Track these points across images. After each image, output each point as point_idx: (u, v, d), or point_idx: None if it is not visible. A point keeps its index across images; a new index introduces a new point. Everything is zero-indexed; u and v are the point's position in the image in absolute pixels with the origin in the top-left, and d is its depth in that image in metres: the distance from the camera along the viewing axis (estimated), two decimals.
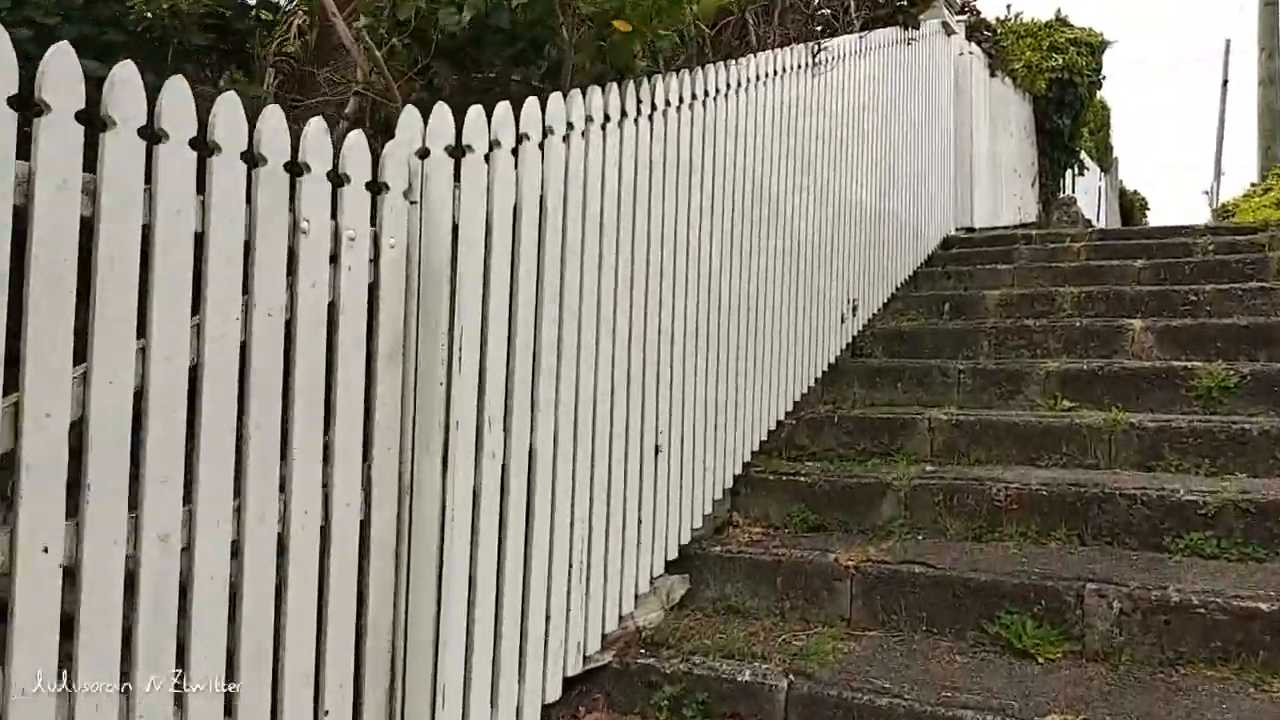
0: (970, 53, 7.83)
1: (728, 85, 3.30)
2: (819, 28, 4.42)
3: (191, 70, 2.93)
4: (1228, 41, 27.30)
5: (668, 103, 2.92)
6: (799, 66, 3.97)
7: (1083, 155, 14.37)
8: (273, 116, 1.84)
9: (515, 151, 2.32)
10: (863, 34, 4.74)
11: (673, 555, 3.05)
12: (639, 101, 2.78)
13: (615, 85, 2.67)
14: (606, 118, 2.64)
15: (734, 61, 3.33)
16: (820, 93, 4.20)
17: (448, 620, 2.16)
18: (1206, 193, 28.49)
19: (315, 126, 1.93)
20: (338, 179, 1.97)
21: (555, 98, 2.46)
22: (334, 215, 1.97)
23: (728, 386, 3.35)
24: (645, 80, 2.82)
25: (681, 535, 3.08)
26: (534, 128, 2.38)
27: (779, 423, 3.85)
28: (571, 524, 2.53)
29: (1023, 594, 2.68)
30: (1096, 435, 3.50)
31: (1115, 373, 3.92)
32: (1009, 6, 11.00)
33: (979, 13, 8.55)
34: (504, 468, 2.32)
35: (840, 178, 4.42)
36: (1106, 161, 21.52)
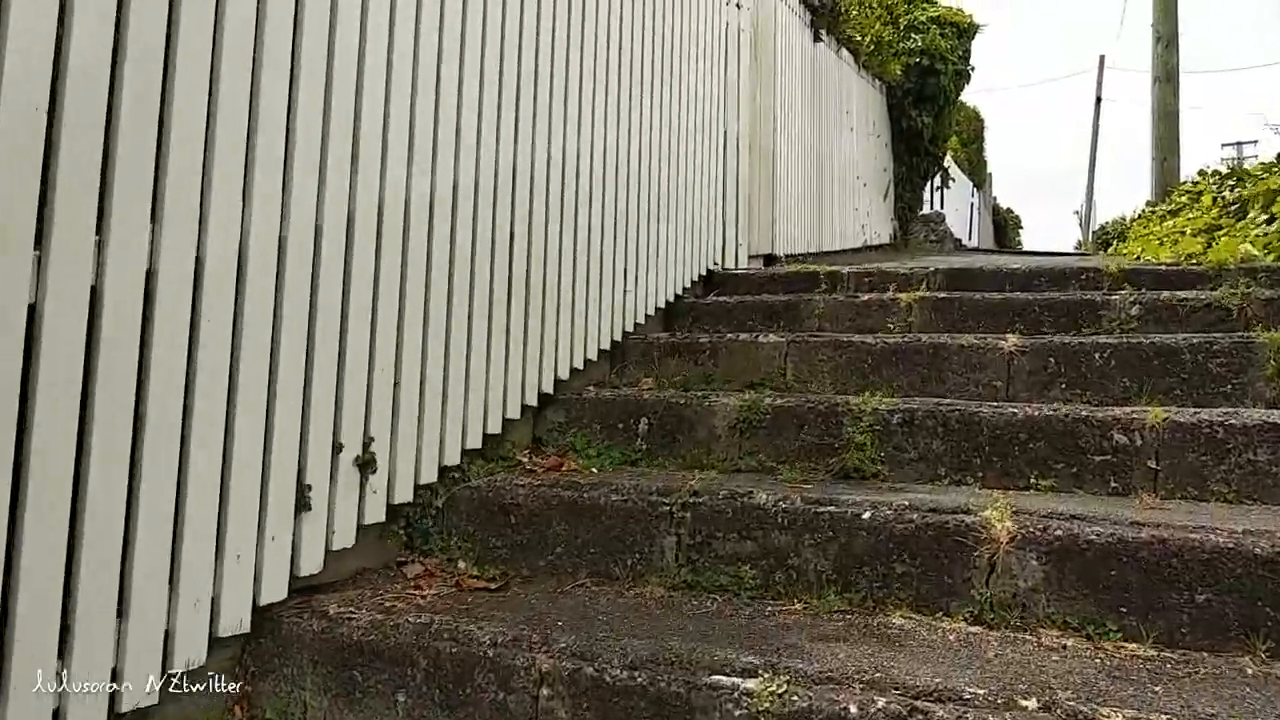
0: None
1: None
2: None
3: None
4: (1101, 58, 26.32)
5: None
6: None
7: (949, 163, 12.21)
8: None
9: None
10: None
11: None
12: None
13: None
14: None
15: None
16: None
17: None
18: (1076, 212, 27.47)
19: None
20: None
21: None
22: None
23: None
24: None
25: None
26: None
27: None
28: None
29: None
30: None
31: None
32: None
33: None
34: None
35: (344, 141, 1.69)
36: (980, 176, 19.79)
